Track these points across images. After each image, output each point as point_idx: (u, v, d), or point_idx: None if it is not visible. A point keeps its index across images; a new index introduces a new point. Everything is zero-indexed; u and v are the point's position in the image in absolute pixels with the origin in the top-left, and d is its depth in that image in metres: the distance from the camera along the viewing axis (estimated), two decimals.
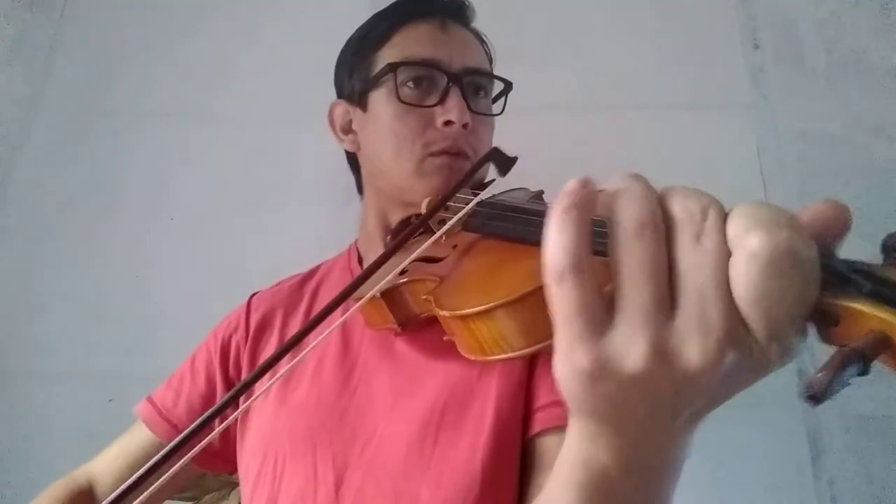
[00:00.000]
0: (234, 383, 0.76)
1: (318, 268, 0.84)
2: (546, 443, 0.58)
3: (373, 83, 0.72)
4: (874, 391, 1.05)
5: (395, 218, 0.74)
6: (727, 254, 0.26)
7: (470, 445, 0.59)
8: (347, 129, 0.78)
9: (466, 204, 0.58)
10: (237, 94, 1.33)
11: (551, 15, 1.30)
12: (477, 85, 0.74)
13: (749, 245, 0.25)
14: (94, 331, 1.17)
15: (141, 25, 1.40)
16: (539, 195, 0.72)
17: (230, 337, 0.77)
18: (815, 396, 0.25)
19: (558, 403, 0.58)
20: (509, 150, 0.60)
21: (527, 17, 1.31)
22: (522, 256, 0.45)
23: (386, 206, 0.76)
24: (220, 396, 0.76)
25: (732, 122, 1.23)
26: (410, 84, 0.70)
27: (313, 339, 0.71)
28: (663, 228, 0.27)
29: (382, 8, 0.78)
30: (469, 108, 0.69)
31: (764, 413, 1.04)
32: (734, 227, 0.26)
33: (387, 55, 0.72)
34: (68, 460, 1.11)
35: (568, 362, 0.28)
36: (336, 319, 0.56)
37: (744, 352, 0.26)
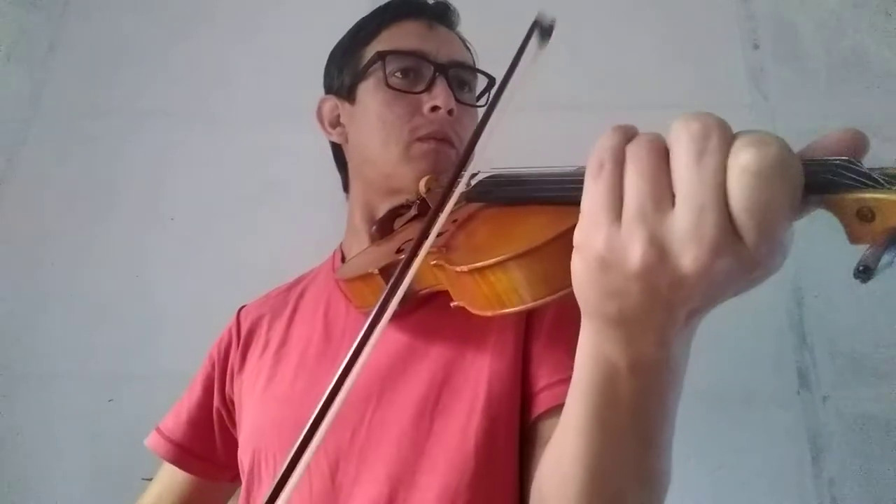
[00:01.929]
0: (226, 391, 0.77)
1: (304, 276, 0.85)
2: (551, 423, 0.58)
3: (361, 74, 0.74)
4: (874, 391, 1.05)
5: (382, 209, 0.75)
6: (725, 170, 0.29)
7: (462, 427, 0.59)
8: (335, 123, 0.79)
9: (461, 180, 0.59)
10: (237, 94, 1.33)
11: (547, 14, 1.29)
12: (462, 79, 0.76)
13: (741, 159, 0.29)
14: (94, 331, 1.17)
15: (140, 25, 1.40)
16: None
17: (226, 350, 0.78)
18: (867, 270, 0.27)
19: (563, 381, 0.59)
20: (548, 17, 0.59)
21: (527, 17, 1.31)
22: (530, 214, 0.47)
23: (372, 198, 0.77)
24: (217, 400, 0.77)
25: (732, 122, 1.22)
26: (398, 73, 0.72)
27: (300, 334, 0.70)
28: (662, 142, 0.32)
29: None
30: (455, 97, 0.71)
31: (764, 413, 1.04)
32: (732, 147, 0.30)
33: (376, 47, 0.74)
34: (68, 460, 1.12)
35: (586, 250, 0.33)
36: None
37: (735, 256, 0.30)
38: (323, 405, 0.42)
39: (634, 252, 0.31)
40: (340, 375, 0.42)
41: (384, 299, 0.44)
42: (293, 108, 1.03)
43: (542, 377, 0.61)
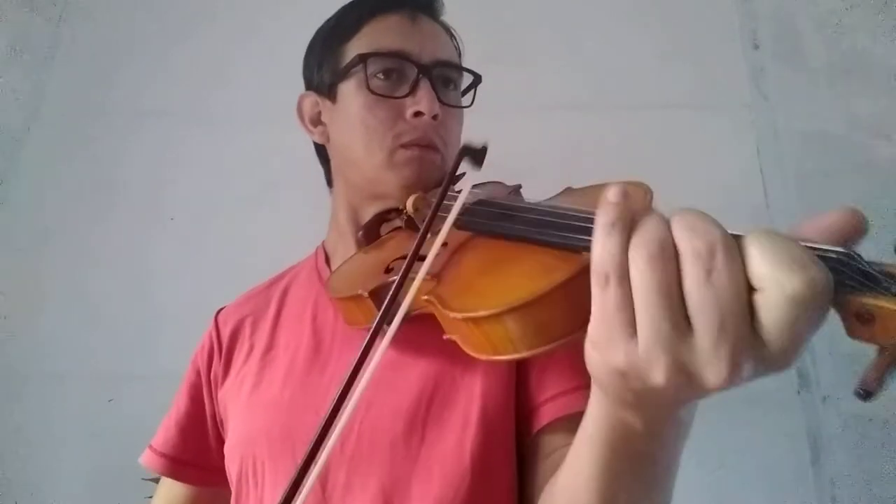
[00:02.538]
0: (213, 397, 0.76)
1: (285, 273, 0.83)
2: (553, 437, 0.58)
3: (342, 74, 0.71)
4: None
5: (367, 212, 0.73)
6: (745, 288, 0.29)
7: (457, 439, 0.58)
8: (316, 121, 0.78)
9: (454, 202, 0.58)
10: (237, 94, 1.33)
11: (551, 15, 1.30)
12: (446, 77, 0.73)
13: (786, 288, 0.27)
14: (94, 331, 1.17)
15: (140, 25, 1.40)
16: (517, 190, 0.72)
17: (209, 357, 0.77)
18: (869, 394, 0.28)
19: (563, 394, 0.59)
20: (477, 141, 0.58)
21: (527, 17, 1.31)
22: (524, 255, 0.45)
23: (356, 200, 0.75)
24: (208, 406, 0.75)
25: (732, 122, 1.23)
26: (380, 75, 0.69)
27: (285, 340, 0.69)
28: (666, 242, 0.30)
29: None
30: (439, 99, 0.69)
31: (764, 413, 1.04)
32: (761, 265, 0.28)
33: (356, 46, 0.71)
34: (68, 460, 1.12)
35: (603, 356, 0.32)
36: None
37: (757, 361, 0.29)
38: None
39: (658, 375, 0.30)
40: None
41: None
42: (293, 108, 1.03)
43: (542, 391, 0.60)
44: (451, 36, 0.77)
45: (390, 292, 0.46)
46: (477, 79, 0.77)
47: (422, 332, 0.46)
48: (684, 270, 0.30)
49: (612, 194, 0.32)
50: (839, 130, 1.20)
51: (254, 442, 0.65)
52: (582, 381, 0.59)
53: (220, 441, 0.74)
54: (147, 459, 0.76)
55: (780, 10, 1.30)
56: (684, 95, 1.25)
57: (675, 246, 0.30)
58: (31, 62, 1.37)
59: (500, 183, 0.73)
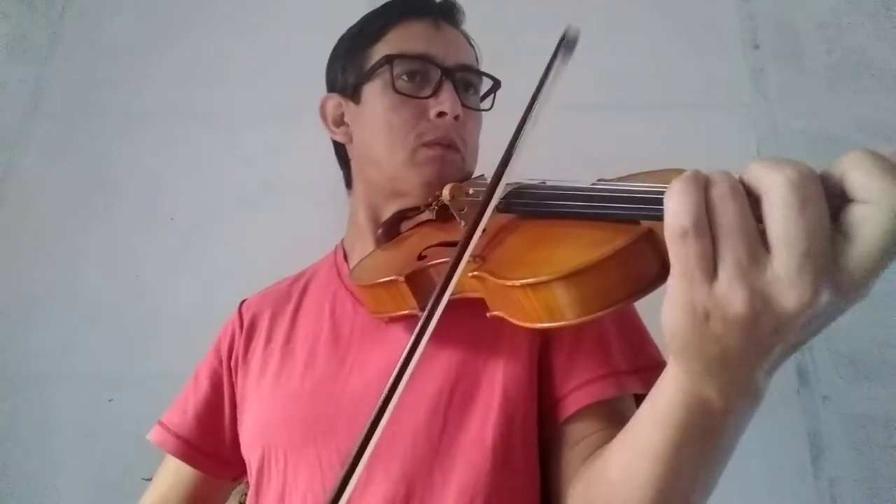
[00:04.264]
0: (235, 383, 0.76)
1: (304, 272, 0.84)
2: (580, 426, 0.59)
3: (367, 76, 0.74)
4: (874, 391, 1.05)
5: (386, 211, 0.75)
6: (827, 216, 0.30)
7: (479, 427, 0.59)
8: (339, 122, 0.79)
9: (484, 189, 0.58)
10: (237, 94, 1.33)
11: (551, 15, 1.29)
12: (467, 82, 0.76)
13: (875, 217, 0.30)
14: (94, 331, 1.17)
15: (140, 25, 1.40)
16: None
17: (230, 345, 0.78)
18: None
19: (589, 382, 0.60)
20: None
21: (526, 17, 1.31)
22: (573, 229, 0.46)
23: (376, 199, 0.77)
24: (227, 396, 0.76)
25: (732, 122, 1.23)
26: (405, 77, 0.71)
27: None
28: (740, 188, 0.32)
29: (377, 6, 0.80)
30: (461, 102, 0.71)
31: (764, 413, 1.04)
32: (868, 178, 0.30)
33: (382, 49, 0.73)
34: (68, 460, 1.12)
35: (685, 306, 0.33)
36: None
37: (835, 289, 0.31)
38: (372, 422, 0.43)
39: (737, 305, 0.31)
40: (388, 392, 0.43)
41: (429, 310, 0.44)
42: (293, 108, 1.03)
43: (568, 379, 0.61)
44: (471, 44, 0.80)
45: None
46: (496, 84, 0.79)
47: (446, 323, 0.47)
48: (772, 201, 0.31)
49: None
50: (839, 130, 1.20)
51: (274, 432, 0.66)
52: (609, 370, 0.61)
53: (234, 433, 0.75)
54: (160, 438, 0.76)
55: (780, 10, 1.30)
56: (684, 95, 1.25)
57: (747, 186, 0.32)
58: (30, 62, 1.37)
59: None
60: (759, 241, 0.31)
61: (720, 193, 0.32)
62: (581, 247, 0.43)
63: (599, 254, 0.40)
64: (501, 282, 0.45)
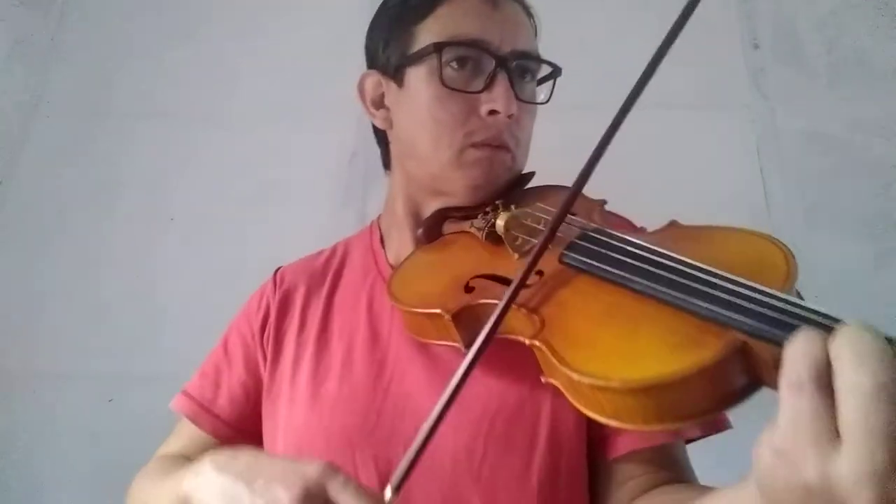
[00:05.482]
0: (265, 366, 0.71)
1: (337, 246, 0.79)
2: (630, 467, 0.57)
3: (413, 59, 0.65)
4: None
5: (428, 207, 0.69)
6: None
7: (524, 461, 0.56)
8: (379, 104, 0.71)
9: (546, 216, 0.53)
10: (237, 95, 1.33)
11: (550, 15, 1.29)
12: (524, 68, 0.68)
13: None
14: (94, 331, 1.18)
15: (140, 26, 1.40)
16: (602, 206, 0.65)
17: (264, 317, 0.72)
18: None
19: None
20: None
21: (544, 19, 1.31)
22: (652, 311, 0.40)
23: (416, 193, 0.71)
24: (266, 382, 0.71)
25: (732, 122, 1.23)
26: (454, 64, 0.63)
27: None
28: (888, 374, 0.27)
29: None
30: (516, 95, 0.64)
31: (764, 412, 1.04)
32: None
33: (430, 29, 0.65)
34: (68, 460, 1.12)
35: (791, 469, 0.29)
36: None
37: None
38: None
39: (862, 501, 0.26)
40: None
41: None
42: (293, 109, 1.03)
43: None
44: (530, 15, 0.71)
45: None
46: (556, 71, 0.71)
47: (490, 348, 0.44)
48: None
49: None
50: (839, 130, 1.20)
51: (311, 440, 0.62)
52: None
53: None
54: (186, 408, 0.72)
55: (780, 10, 1.30)
56: (684, 95, 1.25)
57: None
58: (31, 62, 1.37)
59: (562, 186, 0.67)
60: None
61: (869, 386, 0.27)
62: (661, 347, 0.37)
63: (683, 367, 0.34)
64: (563, 369, 0.40)
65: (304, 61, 1.29)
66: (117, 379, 1.15)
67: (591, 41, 1.28)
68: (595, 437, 0.59)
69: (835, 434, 0.27)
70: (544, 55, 0.71)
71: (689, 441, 0.60)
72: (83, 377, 1.15)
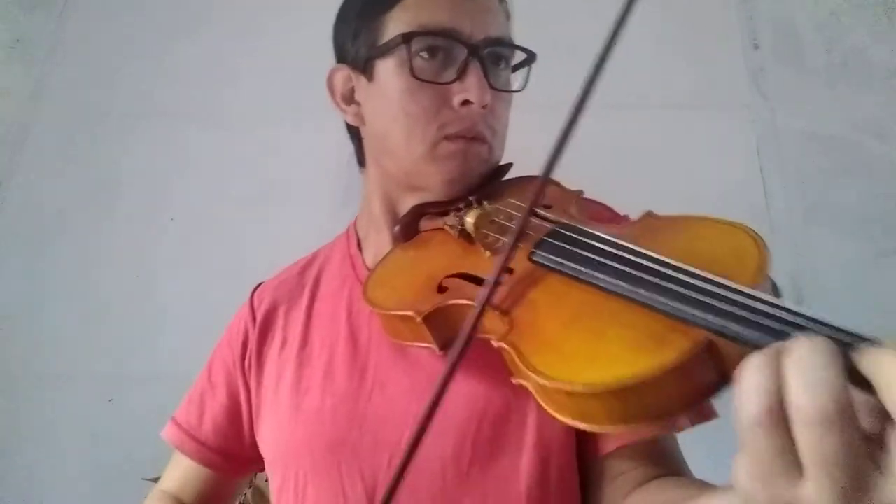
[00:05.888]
0: (248, 385, 0.72)
1: (317, 254, 0.78)
2: (620, 462, 0.56)
3: (381, 51, 0.63)
4: None
5: (404, 203, 0.67)
6: None
7: (512, 463, 0.56)
8: (349, 99, 0.69)
9: (517, 212, 0.52)
10: (237, 95, 1.33)
11: (550, 14, 1.30)
12: (497, 55, 0.65)
13: None
14: (94, 331, 1.18)
15: (141, 26, 1.40)
16: (579, 196, 0.64)
17: (244, 342, 0.72)
18: None
19: None
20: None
21: (525, 16, 1.31)
22: (618, 309, 0.40)
23: (392, 190, 0.69)
24: (245, 406, 0.72)
25: (732, 122, 1.23)
26: (424, 55, 0.61)
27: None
28: (851, 418, 0.27)
29: None
30: (489, 83, 0.61)
31: None
32: None
33: (399, 19, 0.62)
34: (69, 461, 1.12)
35: (768, 489, 0.29)
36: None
37: None
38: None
39: None
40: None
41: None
42: (293, 109, 1.03)
43: None
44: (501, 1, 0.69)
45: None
46: (531, 57, 0.69)
47: (472, 349, 0.43)
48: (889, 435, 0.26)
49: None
50: (839, 130, 1.20)
51: (297, 454, 0.62)
52: None
53: (255, 436, 0.71)
54: (178, 441, 0.72)
55: (780, 10, 1.30)
56: (684, 95, 1.25)
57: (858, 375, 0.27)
58: (31, 62, 1.37)
59: (534, 176, 0.64)
60: (867, 466, 0.27)
61: (814, 412, 0.27)
62: (627, 348, 0.37)
63: (647, 368, 0.34)
64: (529, 373, 0.39)
65: (304, 61, 1.28)
66: (117, 379, 1.15)
67: (585, 41, 1.28)
68: (584, 435, 0.58)
69: (798, 464, 0.28)
70: (539, 55, 0.70)
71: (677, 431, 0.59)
72: (83, 377, 1.15)
